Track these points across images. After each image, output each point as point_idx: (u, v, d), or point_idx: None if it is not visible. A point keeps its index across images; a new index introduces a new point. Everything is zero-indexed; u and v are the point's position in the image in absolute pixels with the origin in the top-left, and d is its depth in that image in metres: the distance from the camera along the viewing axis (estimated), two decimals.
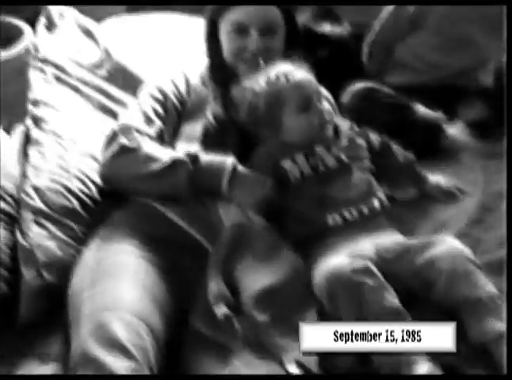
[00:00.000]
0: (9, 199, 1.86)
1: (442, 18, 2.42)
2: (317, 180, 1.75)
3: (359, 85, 2.32)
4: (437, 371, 1.43)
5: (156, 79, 2.08)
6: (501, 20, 2.20)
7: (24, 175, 1.88)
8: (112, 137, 1.88)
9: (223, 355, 1.52)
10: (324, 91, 1.87)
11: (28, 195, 1.83)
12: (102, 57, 2.33)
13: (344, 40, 2.61)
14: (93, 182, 1.92)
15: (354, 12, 2.72)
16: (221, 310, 1.55)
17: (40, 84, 2.11)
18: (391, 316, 1.48)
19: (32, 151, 1.93)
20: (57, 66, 2.18)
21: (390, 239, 1.68)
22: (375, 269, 1.54)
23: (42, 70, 2.15)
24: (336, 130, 1.84)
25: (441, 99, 2.34)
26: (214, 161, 1.79)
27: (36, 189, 1.84)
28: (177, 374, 1.54)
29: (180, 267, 1.70)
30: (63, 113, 2.06)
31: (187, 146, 1.86)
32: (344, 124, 1.89)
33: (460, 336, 1.48)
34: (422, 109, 2.30)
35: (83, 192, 1.89)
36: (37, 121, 2.01)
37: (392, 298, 1.51)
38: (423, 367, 1.42)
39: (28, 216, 1.80)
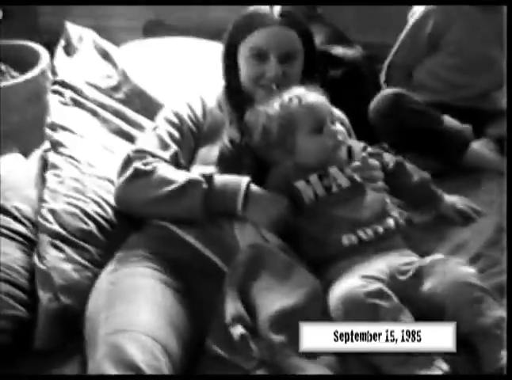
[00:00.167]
0: (26, 222, 1.90)
1: (460, 39, 2.43)
2: (331, 200, 1.77)
3: (388, 90, 2.35)
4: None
5: (173, 103, 2.09)
6: None
7: (41, 198, 1.91)
8: (127, 161, 1.89)
9: (238, 375, 1.54)
10: (338, 112, 1.89)
11: (45, 218, 1.85)
12: (120, 80, 2.36)
13: (357, 62, 2.63)
14: (110, 205, 1.94)
15: (367, 32, 2.74)
16: (238, 331, 1.56)
17: (57, 107, 2.15)
18: None
19: (49, 175, 1.96)
20: (75, 90, 2.22)
21: (404, 260, 1.69)
22: (389, 291, 1.56)
23: (60, 93, 2.19)
24: (350, 151, 1.87)
25: (463, 116, 2.36)
26: (229, 181, 1.81)
27: (53, 212, 1.86)
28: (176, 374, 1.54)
29: (196, 289, 1.72)
30: (80, 137, 2.09)
31: (203, 169, 1.88)
32: (357, 145, 1.91)
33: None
34: (449, 120, 2.31)
35: (100, 215, 1.91)
36: (55, 145, 2.04)
37: (408, 320, 1.53)
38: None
39: (45, 239, 1.82)
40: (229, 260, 1.71)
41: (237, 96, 2.05)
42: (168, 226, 1.82)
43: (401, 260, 1.69)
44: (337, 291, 1.58)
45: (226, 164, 1.90)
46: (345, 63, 2.57)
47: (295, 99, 1.84)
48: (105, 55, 2.42)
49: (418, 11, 2.48)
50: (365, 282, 1.57)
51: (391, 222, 1.76)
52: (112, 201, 1.94)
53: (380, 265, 1.66)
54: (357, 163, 1.84)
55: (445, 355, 1.49)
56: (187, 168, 1.92)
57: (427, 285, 1.60)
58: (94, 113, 2.21)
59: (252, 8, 2.05)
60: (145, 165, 1.86)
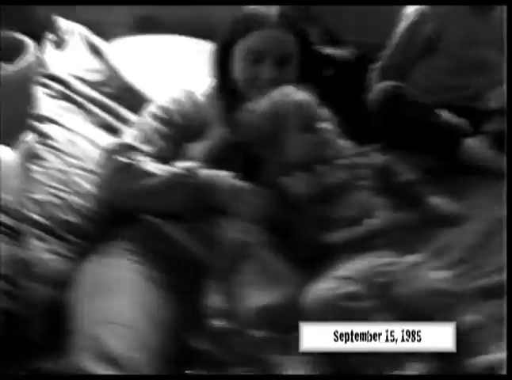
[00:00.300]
0: (10, 212, 1.91)
1: (456, 41, 2.45)
2: (316, 198, 1.78)
3: (388, 83, 2.38)
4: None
5: (161, 98, 2.11)
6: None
7: (25, 189, 1.93)
8: (110, 154, 1.91)
9: (218, 371, 1.55)
10: (326, 112, 1.92)
11: (28, 208, 1.87)
12: (108, 75, 2.38)
13: (349, 62, 2.65)
14: (94, 197, 1.95)
15: (360, 32, 2.77)
16: (219, 324, 1.59)
17: (45, 100, 2.17)
18: None
19: (34, 165, 1.98)
20: (63, 83, 2.24)
21: (384, 261, 1.69)
22: (363, 292, 1.57)
23: (48, 86, 2.21)
24: (338, 149, 1.88)
25: (457, 114, 2.40)
26: (214, 175, 1.83)
27: (37, 203, 1.88)
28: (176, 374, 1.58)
29: (179, 283, 1.74)
30: (66, 129, 2.11)
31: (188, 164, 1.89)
32: (345, 144, 1.93)
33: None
34: (445, 114, 2.34)
35: (84, 207, 1.93)
36: (41, 136, 2.06)
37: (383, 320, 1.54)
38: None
39: (27, 229, 1.84)
40: (213, 254, 1.73)
41: (228, 94, 2.07)
42: (152, 219, 1.83)
43: (381, 260, 1.70)
44: (311, 293, 1.60)
45: (214, 161, 1.91)
46: (337, 63, 2.59)
47: (284, 97, 1.87)
48: (95, 50, 2.44)
49: (410, 14, 2.50)
50: (339, 284, 1.58)
51: (375, 222, 1.78)
52: (96, 194, 1.95)
53: (359, 265, 1.67)
54: (344, 161, 1.86)
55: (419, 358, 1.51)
56: (172, 163, 1.93)
57: (398, 289, 1.61)
58: (82, 107, 2.23)
59: (250, 8, 2.07)
60: (128, 158, 1.88)
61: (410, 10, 2.50)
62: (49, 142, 2.04)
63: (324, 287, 1.59)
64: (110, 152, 1.92)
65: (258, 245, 1.72)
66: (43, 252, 1.81)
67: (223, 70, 2.09)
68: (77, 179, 1.98)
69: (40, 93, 2.19)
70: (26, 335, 1.74)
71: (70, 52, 2.37)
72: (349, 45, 2.73)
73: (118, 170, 1.87)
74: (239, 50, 2.03)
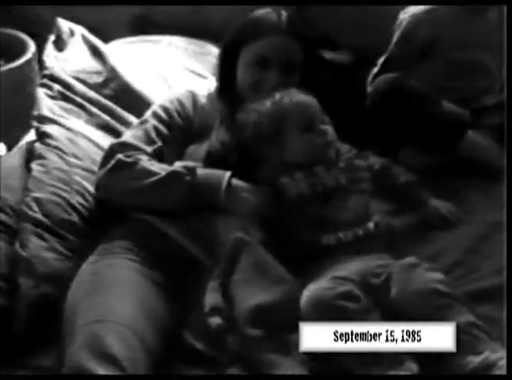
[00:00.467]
0: (8, 210, 1.94)
1: (450, 46, 2.47)
2: (314, 200, 1.82)
3: (389, 74, 2.41)
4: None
5: (163, 98, 2.15)
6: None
7: (25, 187, 1.97)
8: (110, 153, 1.95)
9: (214, 371, 1.59)
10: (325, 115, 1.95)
11: (29, 206, 1.91)
12: (108, 76, 2.40)
13: (348, 67, 2.68)
14: (94, 197, 1.99)
15: (357, 36, 2.79)
16: (215, 321, 1.61)
17: (45, 100, 2.21)
18: None
19: (35, 165, 2.02)
20: (63, 84, 2.27)
21: (379, 263, 1.73)
22: (359, 293, 1.60)
23: (48, 87, 2.25)
24: (337, 152, 1.92)
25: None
26: (211, 174, 1.87)
27: (38, 201, 1.92)
28: (176, 374, 1.60)
29: (177, 283, 1.77)
30: (67, 130, 2.14)
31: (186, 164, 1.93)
32: (343, 147, 1.97)
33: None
34: (448, 104, 2.36)
35: (84, 207, 1.97)
36: (41, 136, 2.10)
37: (377, 321, 1.58)
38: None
39: (28, 227, 1.87)
40: (211, 253, 1.77)
41: (230, 97, 2.11)
42: (150, 219, 1.87)
43: (376, 262, 1.73)
44: (307, 292, 1.63)
45: (213, 163, 1.94)
46: (337, 68, 2.62)
47: (286, 97, 1.91)
48: (95, 51, 2.46)
49: (403, 21, 2.51)
50: (335, 283, 1.61)
51: (371, 225, 1.81)
52: (95, 193, 1.99)
53: (354, 267, 1.70)
54: (342, 164, 1.90)
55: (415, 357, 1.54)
56: (172, 163, 1.96)
57: (394, 290, 1.65)
58: (82, 108, 2.26)
59: (259, 13, 2.11)
60: (128, 157, 1.92)
61: (403, 17, 2.51)
62: (50, 141, 2.08)
63: (320, 287, 1.62)
64: (110, 151, 1.96)
65: (255, 243, 1.74)
66: (42, 250, 1.84)
67: (227, 72, 2.13)
68: (77, 178, 2.01)
69: (40, 93, 2.23)
70: (23, 332, 1.76)
71: (71, 53, 2.40)
72: (348, 49, 2.76)
73: (117, 169, 1.91)
74: (245, 54, 2.07)
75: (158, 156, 1.98)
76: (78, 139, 2.14)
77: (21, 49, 2.97)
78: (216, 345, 1.61)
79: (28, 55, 2.93)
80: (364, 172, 1.93)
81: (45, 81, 2.27)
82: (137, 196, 1.90)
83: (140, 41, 2.89)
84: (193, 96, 2.12)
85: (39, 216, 1.90)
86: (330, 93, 2.08)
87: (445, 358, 1.54)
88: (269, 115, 1.89)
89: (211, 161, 1.95)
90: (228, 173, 1.87)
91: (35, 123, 2.15)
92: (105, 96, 2.36)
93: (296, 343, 1.57)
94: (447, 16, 2.46)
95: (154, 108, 2.10)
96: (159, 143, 2.00)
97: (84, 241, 1.92)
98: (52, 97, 2.24)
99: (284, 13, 2.09)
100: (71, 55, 2.40)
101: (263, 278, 1.68)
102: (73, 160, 2.06)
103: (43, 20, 2.83)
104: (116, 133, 2.23)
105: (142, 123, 2.06)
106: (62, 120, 2.16)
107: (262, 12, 2.12)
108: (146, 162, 1.91)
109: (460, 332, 1.54)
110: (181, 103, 2.09)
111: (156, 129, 2.02)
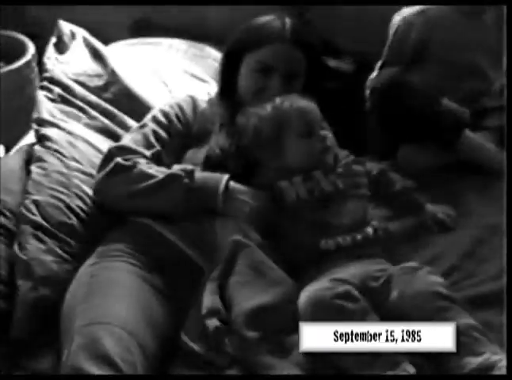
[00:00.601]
0: (8, 213, 1.96)
1: (445, 47, 2.48)
2: (312, 204, 1.85)
3: (388, 69, 2.43)
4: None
5: (163, 103, 2.18)
6: (501, 45, 2.27)
7: (25, 190, 1.98)
8: (108, 157, 1.97)
9: (211, 373, 1.60)
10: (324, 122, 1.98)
11: (28, 209, 1.92)
12: (109, 80, 2.42)
13: (351, 75, 2.70)
14: (93, 201, 2.01)
15: (358, 41, 2.81)
16: (213, 323, 1.63)
17: (45, 103, 2.22)
18: None
19: (34, 167, 2.04)
20: (63, 87, 2.29)
21: (378, 267, 1.76)
22: (357, 294, 1.63)
23: (48, 90, 2.26)
24: (335, 157, 1.94)
25: None
26: (209, 177, 1.90)
27: (37, 204, 1.93)
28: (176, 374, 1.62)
29: (174, 286, 1.80)
30: (67, 133, 2.16)
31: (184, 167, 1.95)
32: (342, 153, 1.99)
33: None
34: (448, 102, 2.38)
35: (82, 210, 1.98)
36: (41, 139, 2.11)
37: (375, 322, 1.60)
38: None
39: (27, 230, 1.89)
40: (209, 257, 1.79)
41: (231, 101, 2.13)
42: (148, 222, 1.90)
43: (375, 267, 1.76)
44: (305, 293, 1.65)
45: (211, 167, 1.97)
46: (339, 76, 2.64)
47: (286, 102, 1.94)
48: (96, 54, 2.48)
49: (396, 24, 2.52)
50: (334, 284, 1.64)
51: (369, 230, 1.84)
52: (94, 196, 2.01)
53: (353, 270, 1.72)
54: (341, 169, 1.92)
55: (412, 358, 1.56)
56: (170, 167, 1.98)
57: (394, 293, 1.67)
58: (82, 111, 2.28)
59: (263, 20, 2.14)
60: (126, 160, 1.94)
61: (396, 19, 2.53)
62: (50, 144, 2.09)
63: (319, 287, 1.65)
64: (109, 154, 1.98)
65: (253, 246, 1.76)
66: (41, 253, 1.86)
67: (228, 77, 2.15)
68: (77, 181, 2.03)
69: (40, 96, 2.25)
70: (21, 335, 1.78)
71: (71, 56, 2.42)
72: (350, 54, 2.78)
73: (115, 172, 1.93)
74: (249, 61, 2.09)
75: (156, 160, 2.00)
76: (77, 143, 2.15)
77: (21, 51, 3.00)
78: (214, 347, 1.62)
79: (28, 57, 2.96)
80: (362, 178, 1.95)
81: (45, 83, 2.29)
82: (135, 200, 1.92)
83: (140, 44, 2.91)
84: (193, 101, 2.15)
85: (38, 219, 1.91)
86: (332, 100, 2.10)
87: (443, 358, 1.57)
88: (269, 120, 1.92)
89: (209, 165, 1.97)
90: (226, 176, 1.89)
91: (34, 126, 2.17)
92: (106, 100, 2.38)
93: (293, 346, 1.59)
94: (439, 18, 2.46)
95: (154, 112, 2.12)
96: (158, 147, 2.02)
97: (83, 244, 1.94)
98: (52, 100, 2.25)
99: (288, 21, 2.12)
100: (72, 58, 2.42)
101: (261, 280, 1.70)
102: (72, 163, 2.08)
103: (43, 21, 2.85)
104: (115, 137, 2.25)
105: (141, 127, 2.08)
106: (62, 123, 2.18)
107: (266, 19, 2.14)
108: (144, 166, 1.94)
109: (459, 334, 1.56)
110: (180, 108, 2.11)
111: (155, 133, 2.04)
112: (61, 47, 2.43)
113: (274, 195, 1.87)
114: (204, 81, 2.65)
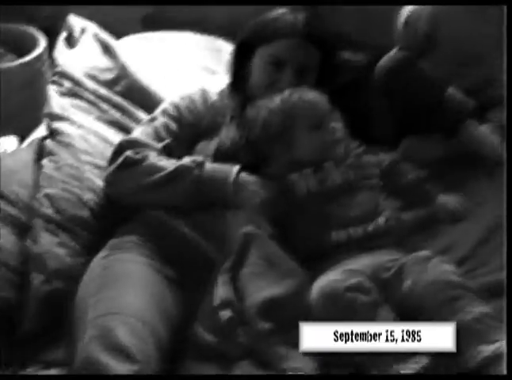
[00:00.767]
0: (21, 205, 1.99)
1: (454, 34, 2.48)
2: (323, 195, 1.86)
3: (402, 53, 2.44)
4: None
5: (174, 95, 2.19)
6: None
7: (37, 184, 2.01)
8: (119, 150, 2.00)
9: (224, 364, 1.62)
10: (336, 112, 1.99)
11: (40, 203, 1.95)
12: (119, 73, 2.44)
13: (365, 68, 2.71)
14: (105, 193, 2.03)
15: (371, 34, 2.81)
16: (226, 314, 1.65)
17: (56, 97, 2.24)
18: None
19: (46, 161, 2.06)
20: (74, 81, 2.31)
21: (389, 257, 1.76)
22: (369, 285, 1.65)
23: (59, 84, 2.28)
24: (346, 149, 1.95)
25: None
26: (219, 168, 1.92)
27: (49, 197, 1.96)
28: (176, 374, 1.63)
29: (187, 278, 1.81)
30: (78, 127, 2.18)
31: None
32: (353, 144, 1.99)
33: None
34: (453, 91, 2.37)
35: (95, 203, 2.00)
36: (52, 133, 2.13)
37: (386, 314, 1.62)
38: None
39: (39, 223, 1.92)
40: (221, 248, 1.80)
41: (242, 93, 2.15)
42: (160, 214, 1.91)
43: (387, 257, 1.76)
44: (317, 285, 1.66)
45: (221, 159, 1.98)
46: (353, 69, 2.65)
47: (295, 94, 1.95)
48: (106, 48, 2.50)
49: (404, 14, 2.52)
50: (346, 275, 1.65)
51: (381, 221, 1.84)
52: (105, 189, 2.03)
53: (365, 261, 1.73)
54: (351, 160, 1.93)
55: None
56: (180, 159, 1.99)
57: (407, 283, 1.67)
58: (93, 105, 2.30)
59: (276, 14, 2.15)
60: (136, 153, 1.96)
61: (405, 10, 2.53)
62: (61, 138, 2.11)
63: (331, 279, 1.65)
64: (119, 148, 2.01)
65: (265, 237, 1.78)
66: (54, 246, 1.89)
67: (240, 70, 2.17)
68: (88, 175, 2.05)
69: (51, 90, 2.27)
70: (34, 327, 1.81)
71: (82, 50, 2.44)
72: (362, 47, 2.78)
73: (125, 166, 1.95)
74: (261, 54, 2.10)
75: (167, 153, 2.02)
76: (89, 136, 2.17)
77: (32, 44, 3.01)
78: (227, 338, 1.64)
79: (39, 50, 2.98)
80: (374, 169, 1.96)
81: (56, 78, 2.31)
82: (146, 192, 1.94)
83: (151, 37, 2.92)
84: (204, 94, 2.16)
85: (50, 212, 1.94)
86: (345, 92, 2.12)
87: (457, 348, 1.57)
88: (278, 113, 1.93)
89: (220, 158, 1.98)
90: (237, 167, 1.91)
91: (46, 120, 2.20)
92: (116, 93, 2.39)
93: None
94: (448, 8, 2.47)
95: (165, 105, 2.14)
96: (168, 140, 2.04)
97: (95, 236, 1.96)
98: (63, 94, 2.27)
99: (300, 15, 2.13)
100: (82, 52, 2.44)
101: (273, 271, 1.71)
102: (84, 156, 2.09)
103: (55, 15, 2.87)
104: (126, 130, 2.27)
105: (152, 120, 2.10)
106: (73, 117, 2.20)
107: (279, 12, 2.15)
108: (154, 158, 1.96)
109: (473, 322, 1.57)
110: (191, 100, 2.13)
111: (166, 126, 2.06)
112: (71, 42, 2.45)
113: (285, 188, 1.88)
114: (215, 73, 2.66)
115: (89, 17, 2.58)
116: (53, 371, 1.73)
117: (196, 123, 2.10)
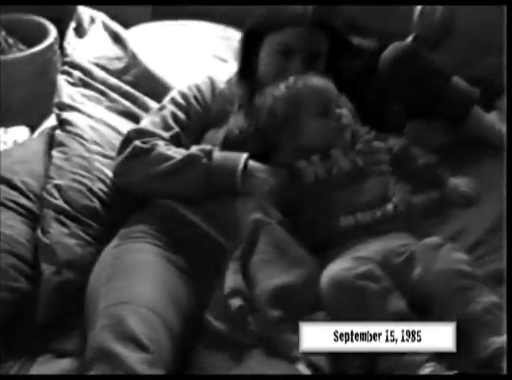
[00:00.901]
0: (32, 195, 2.00)
1: (468, 24, 2.47)
2: (331, 182, 1.86)
3: (402, 42, 2.43)
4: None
5: (182, 84, 2.20)
6: None
7: (47, 175, 2.02)
8: (127, 140, 2.01)
9: (236, 353, 1.63)
10: (344, 98, 1.99)
11: (50, 193, 1.96)
12: (129, 62, 2.45)
13: (375, 53, 2.71)
14: (114, 183, 2.04)
15: (382, 21, 2.81)
16: (236, 303, 1.66)
17: (66, 87, 2.26)
18: (395, 320, 1.57)
19: (56, 152, 2.07)
20: (84, 70, 2.32)
21: (400, 242, 1.75)
22: (380, 273, 1.64)
23: (69, 74, 2.30)
24: (354, 135, 1.95)
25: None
26: (228, 156, 1.93)
27: (59, 188, 1.97)
28: (177, 374, 1.63)
29: (198, 267, 1.83)
30: (87, 117, 2.20)
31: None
32: (362, 129, 1.99)
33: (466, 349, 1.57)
34: (458, 79, 2.36)
35: (104, 193, 2.01)
36: (62, 123, 2.15)
37: (397, 301, 1.61)
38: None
39: (49, 214, 1.93)
40: (231, 236, 1.81)
41: (250, 81, 2.15)
42: (170, 203, 1.92)
43: (397, 242, 1.75)
44: (327, 273, 1.66)
45: (230, 148, 1.99)
46: (364, 55, 2.64)
47: (300, 81, 1.95)
48: (116, 38, 2.51)
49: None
50: (356, 263, 1.64)
51: (390, 207, 1.84)
52: (115, 179, 2.04)
53: (375, 247, 1.73)
54: (360, 146, 1.93)
55: None
56: (189, 148, 2.00)
57: (418, 270, 1.67)
58: (102, 94, 2.31)
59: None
60: (144, 143, 1.97)
61: None
62: (71, 128, 2.12)
63: (341, 267, 1.65)
64: (127, 137, 2.02)
65: (274, 224, 1.78)
66: (64, 236, 1.89)
67: (248, 58, 2.17)
68: (98, 165, 2.06)
69: (61, 80, 2.28)
70: (45, 318, 1.82)
71: (91, 40, 2.45)
72: (372, 33, 2.78)
73: (134, 155, 1.96)
74: (270, 42, 2.10)
75: (175, 142, 2.02)
76: (98, 126, 2.18)
77: (42, 34, 3.04)
78: (238, 327, 1.65)
79: (49, 41, 3.00)
80: (383, 154, 1.95)
81: (66, 68, 2.32)
82: (155, 182, 1.95)
83: (161, 26, 2.93)
84: (212, 82, 2.17)
85: (60, 203, 1.95)
86: (355, 78, 2.11)
87: (467, 339, 1.57)
88: (283, 100, 1.93)
89: (228, 146, 1.99)
90: (245, 155, 1.92)
91: (56, 111, 2.21)
92: (126, 83, 2.40)
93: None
94: None
95: (173, 94, 2.15)
96: (177, 129, 2.05)
97: (105, 226, 1.97)
98: (73, 84, 2.28)
99: (309, 5, 2.11)
100: (92, 42, 2.45)
101: (283, 259, 1.72)
102: (93, 146, 2.11)
103: (66, 5, 2.88)
104: (136, 119, 2.27)
105: (160, 109, 2.11)
106: (82, 107, 2.21)
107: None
108: (162, 147, 1.96)
109: (484, 313, 1.57)
110: (199, 89, 2.14)
111: (174, 115, 2.07)
112: (80, 32, 2.46)
113: (293, 176, 1.88)
114: (225, 61, 2.66)
115: (99, 9, 2.59)
116: (65, 361, 1.75)
117: (204, 112, 2.11)
